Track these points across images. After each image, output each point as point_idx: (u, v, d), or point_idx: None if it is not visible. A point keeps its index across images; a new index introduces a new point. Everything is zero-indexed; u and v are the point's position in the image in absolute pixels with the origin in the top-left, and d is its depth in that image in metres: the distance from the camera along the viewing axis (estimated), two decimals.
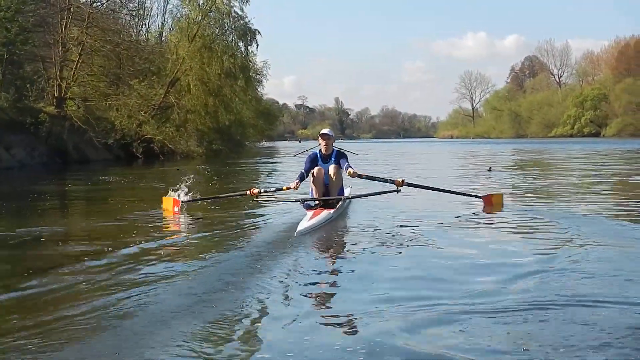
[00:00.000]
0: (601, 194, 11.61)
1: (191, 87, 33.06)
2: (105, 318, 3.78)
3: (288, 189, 8.24)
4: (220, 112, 35.09)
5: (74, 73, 28.28)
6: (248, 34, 37.28)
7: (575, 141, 62.36)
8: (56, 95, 27.68)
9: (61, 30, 27.23)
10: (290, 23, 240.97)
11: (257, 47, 39.03)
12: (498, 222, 7.76)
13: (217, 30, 35.84)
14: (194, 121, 33.70)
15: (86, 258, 5.62)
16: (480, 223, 7.77)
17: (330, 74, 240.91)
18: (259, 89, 58.92)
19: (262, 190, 8.62)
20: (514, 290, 4.30)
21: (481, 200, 8.91)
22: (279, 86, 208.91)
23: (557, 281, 4.54)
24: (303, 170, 8.22)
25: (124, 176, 18.57)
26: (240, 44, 37.45)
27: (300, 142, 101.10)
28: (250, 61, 41.78)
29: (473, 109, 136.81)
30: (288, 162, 29.73)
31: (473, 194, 9.26)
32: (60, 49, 27.38)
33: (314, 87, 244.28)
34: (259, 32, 38.15)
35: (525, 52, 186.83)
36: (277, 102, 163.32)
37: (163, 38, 41.56)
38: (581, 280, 4.57)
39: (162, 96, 32.31)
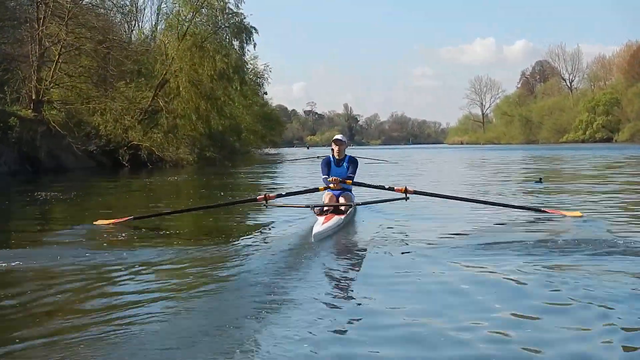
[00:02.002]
0: None
1: (181, 89, 30.43)
2: (127, 334, 3.66)
3: (325, 189, 8.59)
4: (212, 116, 32.47)
5: (52, 74, 26.03)
6: (244, 32, 34.41)
7: (593, 147, 60.22)
8: (33, 97, 25.43)
9: (38, 27, 25.05)
10: (299, 29, 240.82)
11: (254, 47, 36.30)
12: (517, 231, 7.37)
13: (210, 28, 33.08)
14: (183, 126, 31.02)
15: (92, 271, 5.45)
16: (483, 226, 7.78)
17: (339, 80, 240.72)
18: (260, 93, 56.89)
19: (283, 193, 8.81)
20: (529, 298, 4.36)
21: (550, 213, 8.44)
22: (288, 92, 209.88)
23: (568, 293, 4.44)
24: (324, 176, 8.64)
25: (97, 188, 16.55)
26: (235, 42, 34.82)
27: (308, 148, 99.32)
28: (246, 62, 39.31)
29: (483, 114, 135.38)
30: (281, 170, 27.63)
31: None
32: (37, 47, 25.22)
33: (323, 93, 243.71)
34: (255, 30, 35.12)
35: (533, 58, 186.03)
36: (286, 108, 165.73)
37: (156, 40, 38.91)
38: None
39: (150, 99, 29.95)
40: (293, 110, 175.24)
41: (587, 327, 3.71)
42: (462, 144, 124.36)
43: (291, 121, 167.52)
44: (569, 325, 3.73)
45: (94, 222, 8.08)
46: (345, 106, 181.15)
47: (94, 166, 27.34)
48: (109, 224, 8.02)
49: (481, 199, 9.29)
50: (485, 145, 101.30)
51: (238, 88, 35.31)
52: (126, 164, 28.07)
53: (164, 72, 30.72)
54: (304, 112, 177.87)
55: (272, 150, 71.51)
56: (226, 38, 34.29)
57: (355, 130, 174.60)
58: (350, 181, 8.44)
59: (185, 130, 31.05)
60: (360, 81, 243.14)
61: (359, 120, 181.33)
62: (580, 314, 3.96)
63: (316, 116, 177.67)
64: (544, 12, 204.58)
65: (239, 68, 34.66)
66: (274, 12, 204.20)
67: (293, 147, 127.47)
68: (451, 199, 8.68)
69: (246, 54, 38.64)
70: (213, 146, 34.64)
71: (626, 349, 3.36)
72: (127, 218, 8.13)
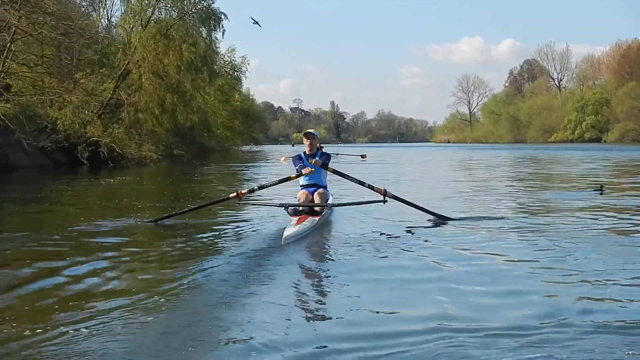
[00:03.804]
0: None
1: (143, 81, 28.03)
2: (88, 333, 3.63)
3: (298, 176, 8.26)
4: (179, 110, 29.96)
5: (3, 62, 23.74)
6: (212, 18, 31.86)
7: (586, 147, 58.15)
8: None
9: None
10: (286, 26, 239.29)
11: (223, 34, 33.40)
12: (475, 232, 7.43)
13: (176, 14, 30.38)
14: (147, 121, 28.61)
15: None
16: (460, 230, 7.66)
17: (326, 78, 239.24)
18: (238, 88, 54.67)
19: (255, 187, 8.56)
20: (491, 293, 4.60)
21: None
22: (275, 89, 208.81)
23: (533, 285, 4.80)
24: (296, 167, 8.28)
25: (37, 190, 14.40)
26: (203, 30, 31.76)
27: (293, 145, 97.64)
28: (216, 52, 36.53)
29: (470, 113, 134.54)
30: (250, 169, 25.39)
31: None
32: None
33: (310, 91, 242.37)
34: (225, 16, 32.20)
35: (521, 57, 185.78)
36: (272, 105, 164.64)
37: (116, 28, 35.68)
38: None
39: (111, 92, 27.56)
40: (279, 107, 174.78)
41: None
42: (448, 142, 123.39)
43: (277, 118, 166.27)
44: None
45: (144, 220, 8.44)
46: (332, 103, 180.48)
47: (49, 164, 25.11)
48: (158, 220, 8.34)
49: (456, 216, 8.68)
50: (473, 144, 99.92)
51: (207, 80, 32.68)
52: (85, 162, 25.84)
53: (126, 63, 28.31)
54: (290, 109, 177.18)
55: (255, 148, 69.45)
56: (193, 25, 31.33)
57: (341, 128, 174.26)
58: (327, 165, 8.16)
59: (148, 125, 28.64)
60: (348, 79, 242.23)
61: (345, 118, 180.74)
62: None
63: (302, 113, 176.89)
64: (531, 12, 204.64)
65: (208, 58, 31.80)
66: (262, 9, 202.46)
67: (278, 144, 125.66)
68: (427, 212, 8.42)
69: (220, 45, 36.05)
70: (181, 143, 32.32)
71: None
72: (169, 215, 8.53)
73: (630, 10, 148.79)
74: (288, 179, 8.29)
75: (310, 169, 8.03)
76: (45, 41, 24.60)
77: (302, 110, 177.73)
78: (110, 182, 17.22)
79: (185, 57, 28.56)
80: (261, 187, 8.56)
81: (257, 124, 64.84)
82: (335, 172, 8.26)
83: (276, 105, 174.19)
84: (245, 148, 65.97)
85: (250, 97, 71.08)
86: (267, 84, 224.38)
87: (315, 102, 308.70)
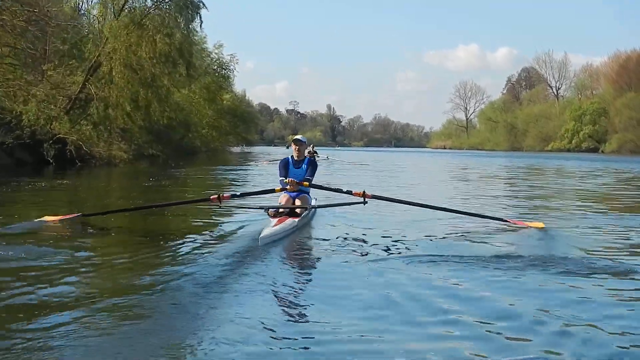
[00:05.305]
0: None
1: (114, 74, 26.02)
2: (61, 337, 3.53)
3: (282, 190, 8.21)
4: (153, 107, 28.00)
5: None
6: (190, 8, 29.06)
7: (588, 158, 56.29)
8: None
9: None
10: (284, 28, 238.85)
11: (200, 25, 30.97)
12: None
13: (150, 2, 27.89)
14: (117, 118, 26.51)
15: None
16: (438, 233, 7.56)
17: (323, 81, 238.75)
18: (227, 86, 52.85)
19: (238, 194, 8.37)
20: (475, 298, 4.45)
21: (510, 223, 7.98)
22: (271, 91, 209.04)
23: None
24: (281, 177, 8.28)
25: None
26: (181, 20, 29.07)
27: (288, 147, 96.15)
28: (193, 43, 34.20)
29: (467, 119, 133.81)
30: (227, 174, 23.42)
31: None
32: None
33: (307, 93, 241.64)
34: (203, 5, 29.51)
35: (517, 65, 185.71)
36: (268, 107, 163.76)
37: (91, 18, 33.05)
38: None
39: (80, 85, 25.54)
40: (275, 109, 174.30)
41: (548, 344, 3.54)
42: (444, 148, 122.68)
43: (273, 120, 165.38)
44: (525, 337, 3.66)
45: (41, 218, 7.77)
46: (329, 106, 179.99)
47: (10, 163, 23.14)
48: (56, 220, 7.77)
49: (444, 206, 8.71)
50: (469, 151, 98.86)
51: (185, 74, 30.57)
52: (51, 161, 23.87)
53: (97, 54, 26.27)
54: (286, 111, 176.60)
55: (246, 149, 67.80)
56: (170, 15, 28.58)
57: (337, 131, 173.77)
58: (307, 183, 8.18)
59: (119, 122, 26.59)
60: (345, 83, 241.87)
61: (341, 121, 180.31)
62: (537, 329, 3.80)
63: (298, 115, 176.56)
64: (526, 22, 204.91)
65: (185, 50, 29.58)
66: (260, 12, 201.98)
67: (273, 145, 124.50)
68: (411, 205, 8.26)
69: (207, 40, 34.10)
70: (155, 142, 30.32)
71: None
72: (74, 215, 7.96)
73: (625, 19, 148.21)
74: (272, 190, 8.35)
75: (292, 187, 8.01)
76: (6, 29, 22.60)
77: (298, 112, 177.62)
78: (43, 186, 14.81)
79: (159, 48, 26.31)
80: (243, 194, 8.62)
81: (248, 124, 62.99)
82: (313, 186, 8.27)
83: (272, 106, 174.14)
84: (236, 149, 64.31)
85: (247, 98, 69.51)
86: (263, 85, 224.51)
87: (311, 104, 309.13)
